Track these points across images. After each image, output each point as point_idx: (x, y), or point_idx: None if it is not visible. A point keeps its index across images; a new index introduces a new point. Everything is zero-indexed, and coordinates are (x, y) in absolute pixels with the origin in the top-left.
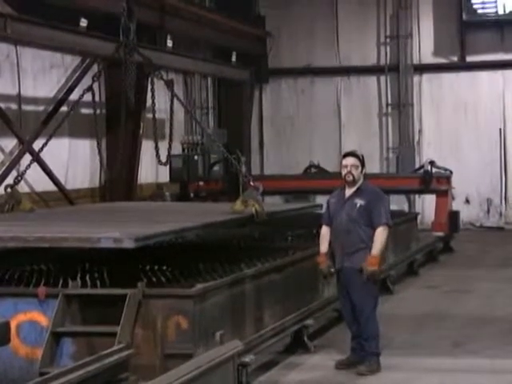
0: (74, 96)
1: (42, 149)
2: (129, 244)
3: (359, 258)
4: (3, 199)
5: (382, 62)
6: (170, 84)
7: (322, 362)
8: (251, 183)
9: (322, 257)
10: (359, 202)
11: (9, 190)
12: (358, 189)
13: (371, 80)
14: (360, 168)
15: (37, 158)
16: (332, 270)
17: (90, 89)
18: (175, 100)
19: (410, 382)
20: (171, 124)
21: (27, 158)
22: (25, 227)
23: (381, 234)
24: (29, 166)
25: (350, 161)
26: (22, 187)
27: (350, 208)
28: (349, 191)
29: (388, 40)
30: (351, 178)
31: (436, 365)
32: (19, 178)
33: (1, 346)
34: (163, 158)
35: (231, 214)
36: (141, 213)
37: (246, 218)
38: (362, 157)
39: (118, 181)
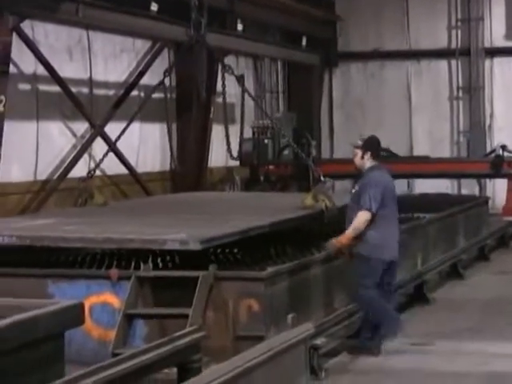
0: (144, 80)
1: (118, 138)
2: (194, 246)
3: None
4: (77, 188)
5: (453, 45)
6: (240, 80)
7: (399, 347)
8: (321, 178)
9: None
10: (355, 188)
11: (82, 183)
12: (361, 175)
13: (442, 64)
14: (360, 154)
15: (112, 147)
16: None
17: (161, 83)
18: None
19: (478, 367)
20: (242, 114)
21: (98, 141)
22: (94, 226)
23: (359, 217)
24: (103, 158)
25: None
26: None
27: (351, 195)
28: None
29: (459, 23)
30: (355, 166)
31: (505, 350)
32: (92, 172)
33: (75, 326)
34: (233, 144)
35: (301, 210)
36: (209, 208)
37: (316, 214)
38: (367, 140)
39: (189, 165)
